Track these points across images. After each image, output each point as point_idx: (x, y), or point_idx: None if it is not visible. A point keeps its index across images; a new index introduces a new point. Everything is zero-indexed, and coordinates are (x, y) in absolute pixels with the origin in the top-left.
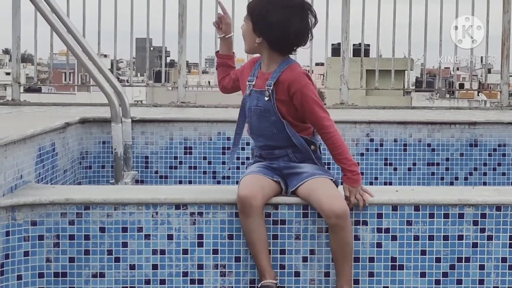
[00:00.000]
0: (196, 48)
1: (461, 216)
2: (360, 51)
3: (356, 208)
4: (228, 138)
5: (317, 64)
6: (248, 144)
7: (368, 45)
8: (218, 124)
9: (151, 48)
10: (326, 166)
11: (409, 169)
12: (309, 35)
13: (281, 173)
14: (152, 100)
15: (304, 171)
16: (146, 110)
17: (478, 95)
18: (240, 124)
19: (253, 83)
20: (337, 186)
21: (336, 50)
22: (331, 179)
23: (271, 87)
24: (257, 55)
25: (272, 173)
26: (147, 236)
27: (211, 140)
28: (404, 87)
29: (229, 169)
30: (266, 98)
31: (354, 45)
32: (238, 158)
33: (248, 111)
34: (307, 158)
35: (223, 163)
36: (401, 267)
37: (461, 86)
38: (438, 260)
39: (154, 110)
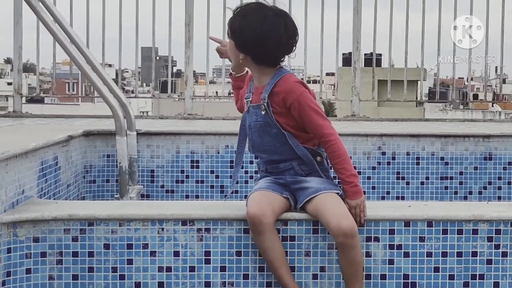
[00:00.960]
0: (203, 58)
1: (475, 232)
2: (372, 60)
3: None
4: None
5: (327, 74)
6: (256, 157)
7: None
8: (225, 137)
9: (157, 58)
10: (335, 180)
11: (422, 183)
12: (292, 42)
13: (289, 188)
14: (158, 110)
15: (309, 186)
16: (152, 122)
17: (492, 106)
18: (241, 143)
19: (250, 99)
20: (343, 199)
21: (347, 60)
22: (338, 193)
23: (266, 100)
24: None
25: (281, 189)
26: (152, 253)
27: (218, 153)
28: (416, 98)
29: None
30: (263, 112)
31: (365, 54)
32: (246, 172)
33: (249, 129)
34: (313, 171)
35: (231, 177)
36: (413, 285)
37: (475, 96)
38: (451, 277)
39: (160, 122)
